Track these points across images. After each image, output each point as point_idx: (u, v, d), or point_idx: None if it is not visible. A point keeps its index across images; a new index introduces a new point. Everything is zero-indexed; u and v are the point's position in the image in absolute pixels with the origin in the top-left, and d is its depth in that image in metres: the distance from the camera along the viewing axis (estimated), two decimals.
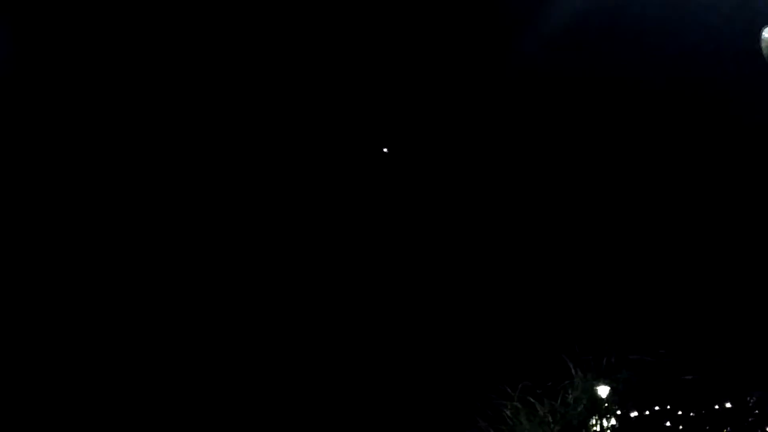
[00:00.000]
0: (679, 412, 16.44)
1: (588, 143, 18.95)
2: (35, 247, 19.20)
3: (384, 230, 20.14)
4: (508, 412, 16.36)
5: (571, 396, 16.39)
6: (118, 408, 18.38)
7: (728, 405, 16.56)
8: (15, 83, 17.92)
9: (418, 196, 20.20)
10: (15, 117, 18.53)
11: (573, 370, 16.25)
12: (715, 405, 16.47)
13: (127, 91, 19.45)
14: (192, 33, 19.02)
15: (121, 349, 19.04)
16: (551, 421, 16.24)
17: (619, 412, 16.52)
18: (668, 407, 16.48)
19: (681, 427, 16.52)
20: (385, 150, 18.82)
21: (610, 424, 16.39)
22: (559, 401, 16.26)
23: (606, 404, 16.33)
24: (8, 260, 18.54)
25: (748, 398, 16.42)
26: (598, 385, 16.17)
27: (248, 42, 19.36)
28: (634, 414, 16.64)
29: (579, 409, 16.28)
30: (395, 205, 20.27)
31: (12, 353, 17.93)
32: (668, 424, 16.50)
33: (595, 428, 16.30)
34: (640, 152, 18.69)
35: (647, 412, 16.46)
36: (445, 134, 20.06)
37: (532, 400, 16.29)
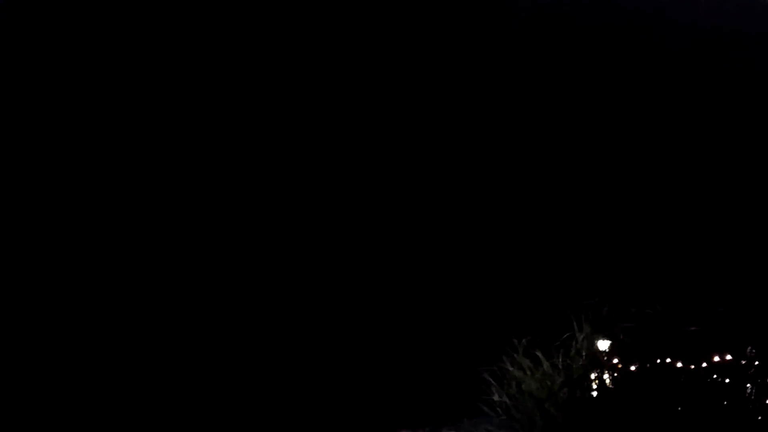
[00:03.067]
0: (679, 364, 16.61)
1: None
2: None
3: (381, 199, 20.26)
4: (511, 367, 16.66)
5: (573, 349, 16.69)
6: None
7: (728, 357, 16.75)
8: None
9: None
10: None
11: (575, 324, 16.52)
12: (715, 357, 16.66)
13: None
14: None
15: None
16: (554, 375, 16.53)
17: (619, 365, 16.77)
18: (668, 360, 16.62)
19: (681, 379, 16.67)
20: None
21: (611, 376, 16.66)
22: (561, 355, 16.57)
23: (606, 357, 16.62)
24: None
25: (749, 349, 16.61)
26: (599, 339, 16.44)
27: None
28: (633, 367, 16.79)
29: (580, 362, 16.58)
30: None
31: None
32: (668, 376, 16.63)
33: (595, 381, 16.60)
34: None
35: (648, 365, 16.58)
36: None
37: (537, 354, 16.60)
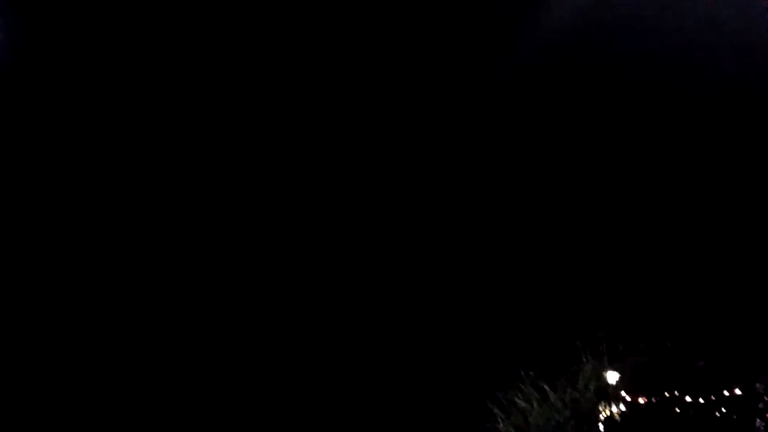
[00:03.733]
0: (688, 399, 16.52)
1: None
2: (36, 247, 19.42)
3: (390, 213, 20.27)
4: (520, 399, 16.59)
5: (581, 382, 16.62)
6: (117, 408, 18.50)
7: (737, 391, 16.64)
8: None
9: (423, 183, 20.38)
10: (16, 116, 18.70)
11: (583, 356, 16.46)
12: (724, 391, 16.55)
13: (127, 91, 19.69)
14: (193, 33, 19.32)
15: (120, 349, 19.19)
16: (562, 407, 16.46)
17: (628, 399, 16.68)
18: (676, 393, 16.53)
19: (690, 413, 16.57)
20: None
21: (619, 410, 16.57)
22: (569, 387, 16.50)
23: (615, 390, 16.55)
24: (8, 260, 18.75)
25: (757, 384, 16.50)
26: (607, 371, 16.38)
27: (249, 42, 19.65)
28: (642, 400, 16.71)
29: (588, 395, 16.50)
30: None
31: (13, 353, 18.07)
32: (677, 410, 16.54)
33: (603, 414, 16.50)
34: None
35: (656, 399, 16.51)
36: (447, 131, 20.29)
37: (544, 386, 16.53)
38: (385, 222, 20.10)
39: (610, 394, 16.55)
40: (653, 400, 16.64)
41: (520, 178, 19.60)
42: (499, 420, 16.66)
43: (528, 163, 19.57)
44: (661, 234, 18.56)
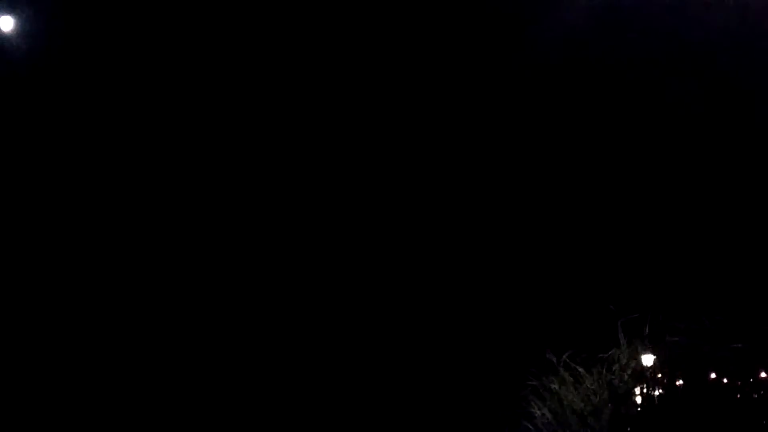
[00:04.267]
0: (725, 380, 16.36)
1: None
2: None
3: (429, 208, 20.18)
4: (555, 384, 16.51)
5: (617, 365, 16.50)
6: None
7: None
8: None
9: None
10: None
11: (620, 339, 16.31)
12: (762, 373, 16.39)
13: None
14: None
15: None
16: (597, 390, 16.37)
17: (665, 381, 16.57)
18: (713, 375, 16.37)
19: (728, 395, 16.42)
20: None
21: (656, 392, 16.46)
22: (604, 370, 16.40)
23: (652, 372, 16.42)
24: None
25: None
26: (644, 354, 16.23)
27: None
28: (679, 382, 16.55)
29: (624, 378, 16.39)
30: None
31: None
32: (714, 392, 16.38)
33: (640, 396, 16.40)
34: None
35: (693, 381, 16.34)
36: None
37: (578, 369, 16.43)
38: (424, 208, 20.06)
39: (647, 377, 16.44)
40: (691, 381, 16.50)
41: (555, 164, 19.46)
42: (534, 405, 16.61)
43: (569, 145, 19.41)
44: (700, 217, 18.33)
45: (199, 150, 20.15)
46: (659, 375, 16.58)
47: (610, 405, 16.14)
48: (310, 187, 20.47)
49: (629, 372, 16.35)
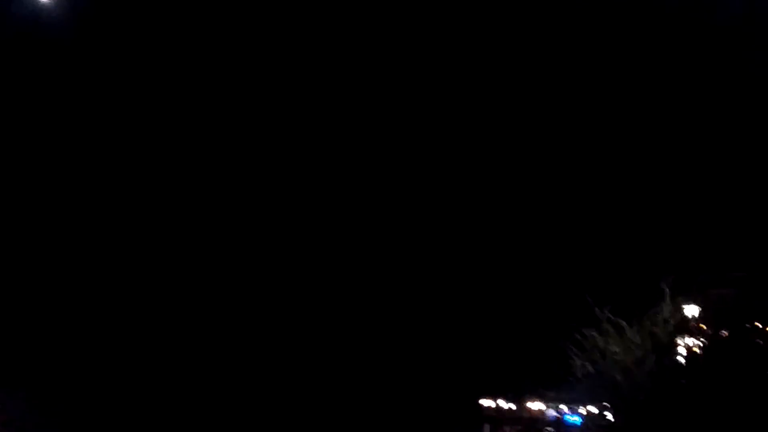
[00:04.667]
0: None
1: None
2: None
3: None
4: (596, 336, 16.73)
5: (660, 316, 16.56)
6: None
7: None
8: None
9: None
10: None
11: (664, 290, 16.33)
12: None
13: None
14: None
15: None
16: (641, 341, 16.49)
17: (709, 332, 16.55)
18: (759, 325, 16.24)
19: None
20: None
21: (699, 343, 16.47)
22: (647, 321, 16.50)
23: (695, 323, 16.42)
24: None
25: None
26: (687, 304, 16.23)
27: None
28: (724, 333, 16.50)
29: (667, 329, 16.44)
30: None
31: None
32: (760, 342, 16.25)
33: (683, 347, 16.43)
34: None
35: (737, 332, 16.26)
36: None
37: (620, 322, 16.59)
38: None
39: (691, 328, 16.46)
40: (736, 332, 16.41)
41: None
42: (574, 356, 16.91)
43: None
44: (746, 174, 17.99)
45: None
46: (703, 326, 16.58)
47: (653, 356, 16.30)
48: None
49: (672, 324, 16.42)
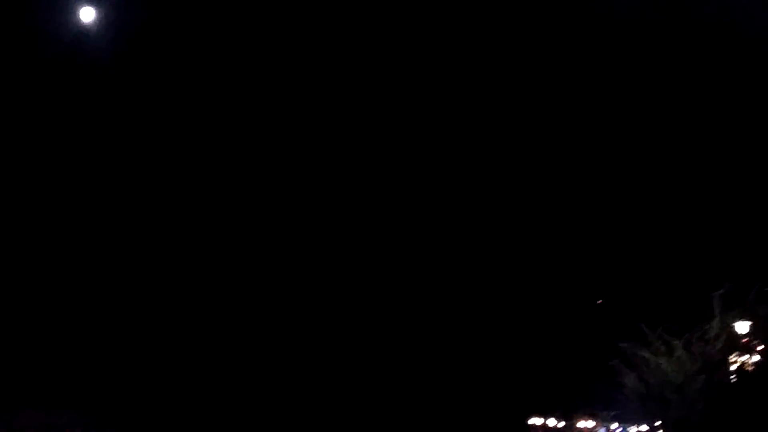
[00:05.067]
0: None
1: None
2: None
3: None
4: (647, 354, 16.63)
5: (710, 333, 16.41)
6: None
7: None
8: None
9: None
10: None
11: (714, 307, 16.20)
12: None
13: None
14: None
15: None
16: (690, 359, 16.36)
17: (760, 348, 16.36)
18: None
19: None
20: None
21: (751, 360, 16.29)
22: (697, 339, 16.36)
23: (746, 340, 16.24)
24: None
25: None
26: (737, 321, 16.06)
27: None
28: None
29: (718, 347, 16.29)
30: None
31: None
32: None
33: (735, 365, 16.25)
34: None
35: None
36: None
37: (671, 340, 16.47)
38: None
39: (741, 345, 16.29)
40: None
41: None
42: (625, 376, 16.82)
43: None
44: None
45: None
46: (754, 342, 16.40)
47: (703, 374, 16.15)
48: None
49: (722, 341, 16.26)
